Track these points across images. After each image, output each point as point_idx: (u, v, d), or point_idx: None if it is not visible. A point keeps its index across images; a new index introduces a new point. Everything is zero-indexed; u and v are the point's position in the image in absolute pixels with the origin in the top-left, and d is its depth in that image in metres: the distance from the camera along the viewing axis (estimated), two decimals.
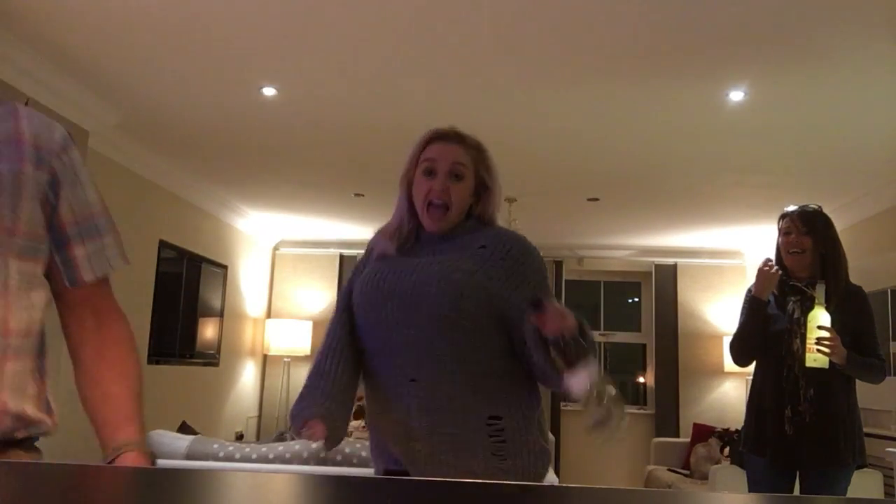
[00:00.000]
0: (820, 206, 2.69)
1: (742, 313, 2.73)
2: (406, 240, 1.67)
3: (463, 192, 1.66)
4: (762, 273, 2.59)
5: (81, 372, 1.19)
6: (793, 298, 2.60)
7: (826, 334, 2.44)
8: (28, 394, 1.09)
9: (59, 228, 1.14)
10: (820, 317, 2.47)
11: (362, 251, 1.78)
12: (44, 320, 1.14)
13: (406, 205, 1.69)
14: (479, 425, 1.53)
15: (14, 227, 1.06)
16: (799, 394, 2.52)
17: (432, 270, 1.57)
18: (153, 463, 1.17)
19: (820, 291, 2.49)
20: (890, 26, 2.88)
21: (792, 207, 2.68)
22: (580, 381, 1.39)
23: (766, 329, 2.62)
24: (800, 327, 2.53)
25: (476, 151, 1.70)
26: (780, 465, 2.56)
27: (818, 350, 2.44)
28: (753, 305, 2.62)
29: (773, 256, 2.75)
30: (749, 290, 2.73)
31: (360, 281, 1.67)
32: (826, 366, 2.45)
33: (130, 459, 1.09)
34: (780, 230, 2.69)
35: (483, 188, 1.70)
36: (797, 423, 2.52)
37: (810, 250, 2.59)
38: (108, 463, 1.09)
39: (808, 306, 2.53)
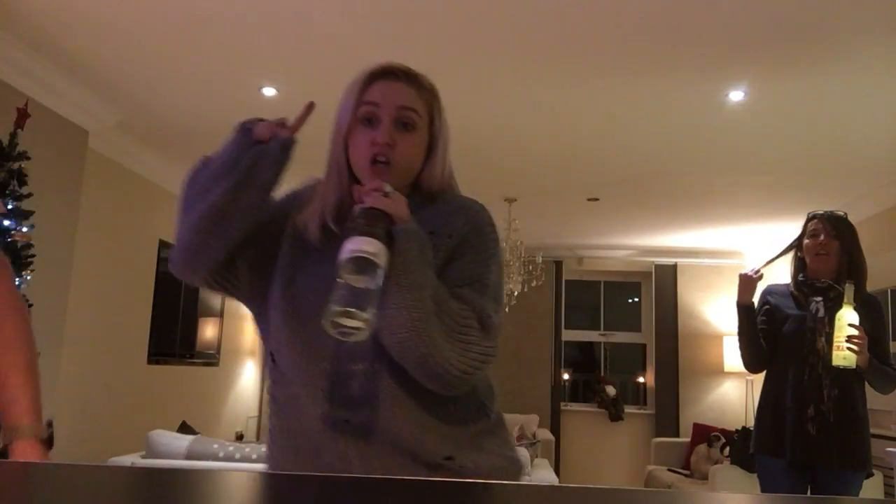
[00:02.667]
0: (846, 213, 2.74)
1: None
2: (336, 220, 1.19)
3: (413, 146, 1.23)
4: (743, 279, 2.65)
5: None
6: (816, 298, 2.62)
7: (856, 332, 2.44)
8: None
9: None
10: (849, 315, 2.48)
11: None
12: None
13: (345, 168, 1.24)
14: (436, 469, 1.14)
15: None
16: (822, 393, 2.53)
17: None
18: (49, 447, 1.21)
19: (849, 291, 2.51)
20: (890, 26, 2.88)
21: (819, 211, 2.72)
22: (348, 245, 1.03)
23: (779, 330, 2.65)
24: (825, 326, 2.54)
25: (431, 95, 1.30)
26: (799, 466, 2.56)
27: (848, 348, 2.44)
28: (740, 312, 2.66)
29: (770, 256, 2.78)
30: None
31: (278, 277, 1.20)
32: (853, 365, 2.45)
33: (22, 448, 1.15)
34: (806, 231, 2.71)
35: (434, 146, 1.27)
36: (819, 423, 2.51)
37: (836, 254, 2.62)
38: (2, 448, 1.14)
39: (831, 306, 2.55)
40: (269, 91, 3.70)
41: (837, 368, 2.47)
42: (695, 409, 7.03)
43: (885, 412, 4.52)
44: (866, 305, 2.59)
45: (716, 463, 5.47)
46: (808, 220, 2.72)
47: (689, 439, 6.31)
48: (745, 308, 2.66)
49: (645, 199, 5.51)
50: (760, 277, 2.66)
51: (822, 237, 2.64)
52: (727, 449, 5.65)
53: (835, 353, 2.47)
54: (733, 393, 6.97)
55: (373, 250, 1.02)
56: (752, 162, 4.53)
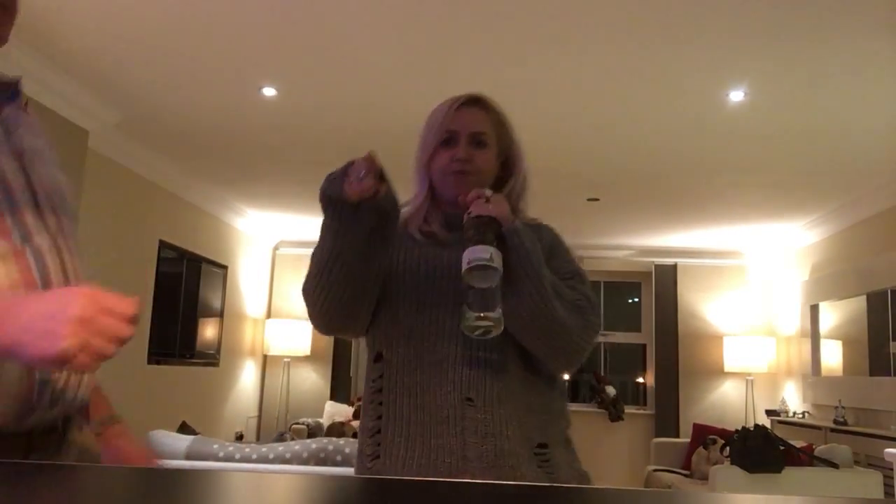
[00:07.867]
0: None
1: None
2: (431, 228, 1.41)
3: (487, 159, 1.44)
4: None
5: None
6: None
7: None
8: None
9: None
10: None
11: None
12: None
13: (429, 190, 1.45)
14: (530, 455, 1.27)
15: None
16: None
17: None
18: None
19: None
20: (890, 25, 2.88)
21: None
22: (466, 255, 1.20)
23: None
24: None
25: (500, 117, 1.53)
26: None
27: None
28: None
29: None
30: None
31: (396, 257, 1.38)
32: None
33: (119, 430, 1.18)
34: None
35: (511, 165, 1.49)
36: None
37: None
38: (97, 434, 1.15)
39: None
40: (269, 91, 3.70)
41: None
42: (695, 409, 7.03)
43: (886, 412, 4.51)
44: None
45: (715, 463, 5.47)
46: None
47: (689, 440, 6.30)
48: None
49: (645, 199, 5.51)
50: None
51: None
52: (727, 449, 5.65)
53: None
54: (733, 393, 6.97)
55: (487, 256, 1.17)
56: (752, 162, 4.53)
